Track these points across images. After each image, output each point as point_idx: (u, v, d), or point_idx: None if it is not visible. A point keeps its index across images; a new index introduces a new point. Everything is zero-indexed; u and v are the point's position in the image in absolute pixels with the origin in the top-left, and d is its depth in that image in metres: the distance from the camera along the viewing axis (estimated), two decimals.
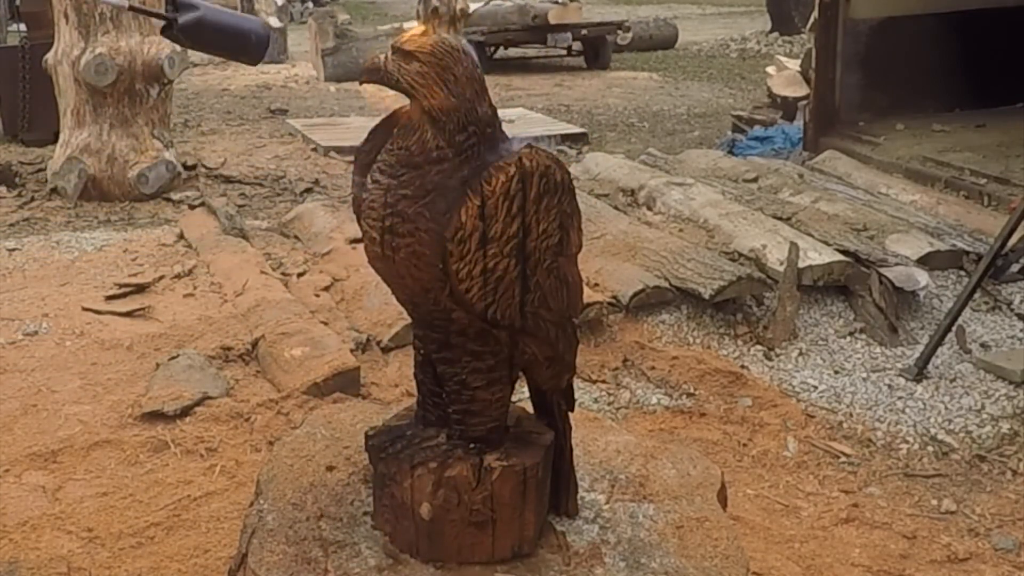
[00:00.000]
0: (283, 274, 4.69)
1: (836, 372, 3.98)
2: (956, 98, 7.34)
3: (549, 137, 8.29)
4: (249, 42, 1.93)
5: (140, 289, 4.54)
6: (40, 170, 7.04)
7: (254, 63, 2.00)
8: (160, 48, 6.56)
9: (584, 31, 13.81)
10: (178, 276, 4.70)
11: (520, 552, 1.85)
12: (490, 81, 1.87)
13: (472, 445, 1.82)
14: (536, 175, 1.70)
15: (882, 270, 4.37)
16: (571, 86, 12.37)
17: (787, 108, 8.65)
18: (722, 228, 4.81)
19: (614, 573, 1.83)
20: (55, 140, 6.90)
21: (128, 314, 4.28)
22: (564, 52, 14.26)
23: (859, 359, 4.07)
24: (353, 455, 2.12)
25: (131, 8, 2.06)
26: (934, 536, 3.03)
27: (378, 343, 3.94)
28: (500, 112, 1.79)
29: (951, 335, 4.02)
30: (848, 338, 4.21)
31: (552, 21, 13.46)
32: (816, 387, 3.87)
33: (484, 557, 1.83)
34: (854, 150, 6.74)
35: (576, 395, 2.05)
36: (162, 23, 1.90)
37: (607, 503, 2.03)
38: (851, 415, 3.69)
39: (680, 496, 2.06)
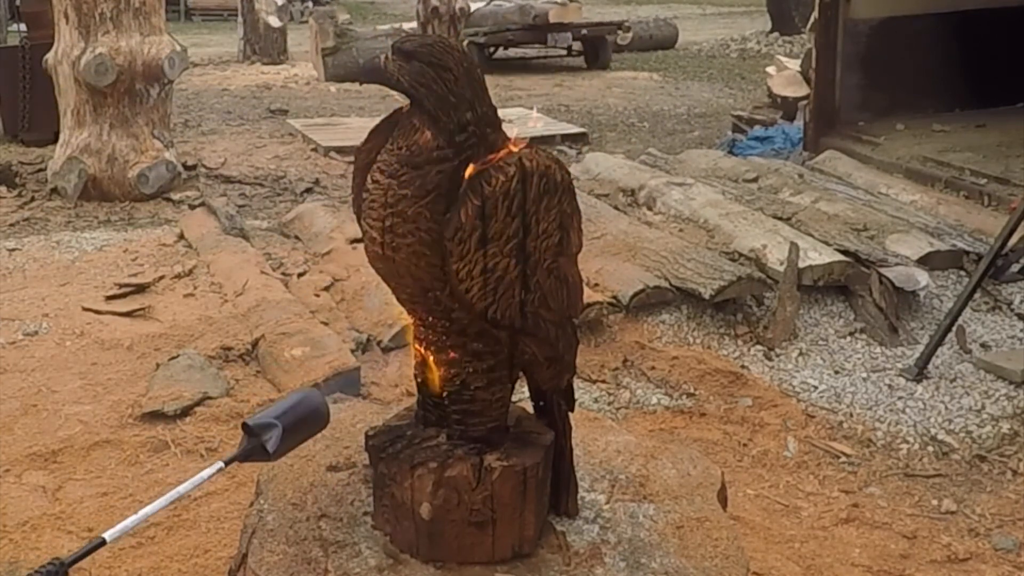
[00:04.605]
0: (283, 274, 4.69)
1: (836, 372, 3.98)
2: (956, 98, 7.34)
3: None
4: (320, 419, 1.89)
5: (140, 289, 4.54)
6: (40, 170, 7.04)
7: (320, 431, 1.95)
8: (160, 48, 6.55)
9: (584, 31, 13.82)
10: (178, 276, 4.70)
11: (520, 552, 1.85)
12: (490, 81, 1.87)
13: (472, 445, 1.82)
14: (536, 175, 1.70)
15: (882, 270, 4.37)
16: (571, 86, 12.37)
17: (787, 108, 8.65)
18: (722, 228, 4.81)
19: (614, 573, 1.83)
20: (55, 140, 6.90)
21: (128, 314, 4.27)
22: (564, 52, 14.27)
23: (859, 359, 4.07)
24: (353, 455, 2.12)
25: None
26: (934, 536, 3.03)
27: (378, 343, 3.94)
28: (500, 112, 1.79)
29: (951, 335, 4.02)
30: (848, 338, 4.21)
31: (552, 21, 13.46)
32: (816, 387, 3.87)
33: (484, 557, 1.83)
34: (854, 150, 6.74)
35: (576, 395, 2.05)
36: (246, 456, 1.82)
37: (607, 503, 2.03)
38: (851, 415, 3.69)
39: (680, 496, 2.06)
